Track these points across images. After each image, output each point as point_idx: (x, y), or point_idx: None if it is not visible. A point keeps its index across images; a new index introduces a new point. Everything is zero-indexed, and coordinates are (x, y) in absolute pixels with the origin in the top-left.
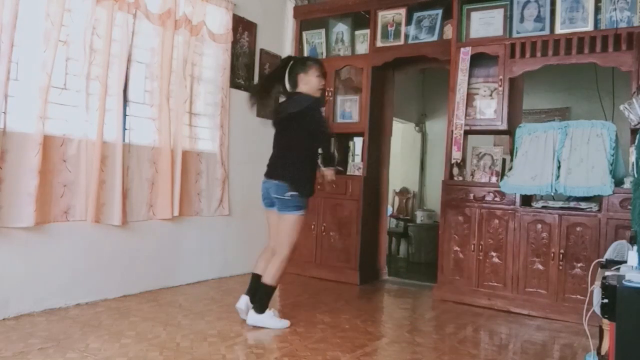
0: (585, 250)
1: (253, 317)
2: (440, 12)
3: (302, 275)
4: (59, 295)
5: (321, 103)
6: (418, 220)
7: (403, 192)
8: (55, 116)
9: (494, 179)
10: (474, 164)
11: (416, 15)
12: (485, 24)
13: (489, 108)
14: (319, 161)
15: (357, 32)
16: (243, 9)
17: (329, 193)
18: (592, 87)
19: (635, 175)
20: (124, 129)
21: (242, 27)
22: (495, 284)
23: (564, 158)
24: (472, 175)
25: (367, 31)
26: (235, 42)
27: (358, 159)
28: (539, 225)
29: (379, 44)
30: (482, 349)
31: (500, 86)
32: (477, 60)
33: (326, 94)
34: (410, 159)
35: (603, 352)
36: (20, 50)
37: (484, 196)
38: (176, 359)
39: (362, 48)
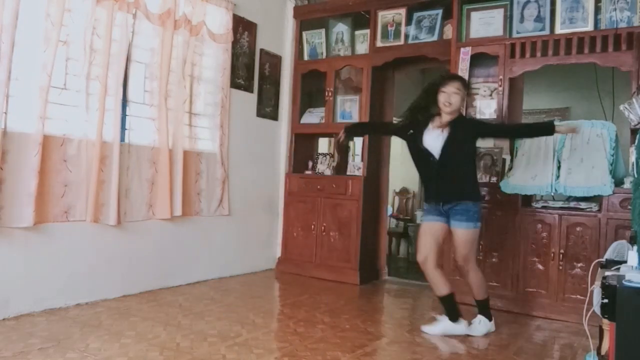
0: (585, 250)
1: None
2: (440, 12)
3: (302, 275)
4: (59, 295)
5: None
6: (418, 220)
7: (403, 192)
8: (55, 116)
9: (494, 179)
10: None
11: (416, 15)
12: (485, 24)
13: (489, 108)
14: None
15: (357, 32)
16: (243, 9)
17: (329, 193)
18: (592, 87)
19: (635, 175)
20: (124, 128)
21: (242, 27)
22: (495, 284)
23: (564, 158)
24: None
25: (367, 31)
26: (235, 42)
27: (358, 159)
28: (539, 225)
29: (379, 44)
30: (482, 349)
31: (500, 86)
32: (477, 60)
33: (326, 93)
34: (410, 159)
35: (603, 352)
36: (21, 50)
37: (484, 196)
38: (176, 359)
39: (362, 48)
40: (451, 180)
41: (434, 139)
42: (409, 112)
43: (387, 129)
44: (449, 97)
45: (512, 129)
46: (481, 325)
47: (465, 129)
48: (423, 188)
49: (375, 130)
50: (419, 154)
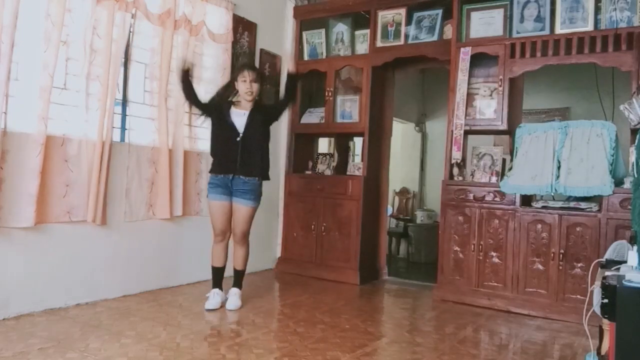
0: (585, 250)
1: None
2: (440, 12)
3: (302, 275)
4: (59, 295)
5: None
6: (418, 220)
7: (403, 192)
8: (56, 116)
9: (494, 179)
10: (474, 164)
11: (416, 15)
12: (485, 24)
13: (489, 108)
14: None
15: (357, 32)
16: (243, 9)
17: (329, 193)
18: (592, 87)
19: (635, 175)
20: (124, 128)
21: (242, 27)
22: (495, 284)
23: (564, 158)
24: (472, 175)
25: (367, 31)
26: (235, 42)
27: (358, 159)
28: (539, 225)
29: (379, 44)
30: (482, 349)
31: (500, 86)
32: (477, 60)
33: (326, 93)
34: (410, 159)
35: (603, 352)
36: (21, 50)
37: (484, 196)
38: (176, 359)
39: (362, 48)
40: (250, 155)
41: (239, 117)
42: (216, 96)
43: (198, 102)
44: (250, 87)
45: (283, 98)
46: (236, 297)
47: (261, 113)
48: (215, 159)
49: (193, 95)
50: (225, 128)
